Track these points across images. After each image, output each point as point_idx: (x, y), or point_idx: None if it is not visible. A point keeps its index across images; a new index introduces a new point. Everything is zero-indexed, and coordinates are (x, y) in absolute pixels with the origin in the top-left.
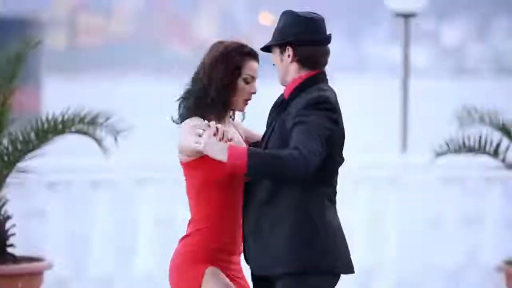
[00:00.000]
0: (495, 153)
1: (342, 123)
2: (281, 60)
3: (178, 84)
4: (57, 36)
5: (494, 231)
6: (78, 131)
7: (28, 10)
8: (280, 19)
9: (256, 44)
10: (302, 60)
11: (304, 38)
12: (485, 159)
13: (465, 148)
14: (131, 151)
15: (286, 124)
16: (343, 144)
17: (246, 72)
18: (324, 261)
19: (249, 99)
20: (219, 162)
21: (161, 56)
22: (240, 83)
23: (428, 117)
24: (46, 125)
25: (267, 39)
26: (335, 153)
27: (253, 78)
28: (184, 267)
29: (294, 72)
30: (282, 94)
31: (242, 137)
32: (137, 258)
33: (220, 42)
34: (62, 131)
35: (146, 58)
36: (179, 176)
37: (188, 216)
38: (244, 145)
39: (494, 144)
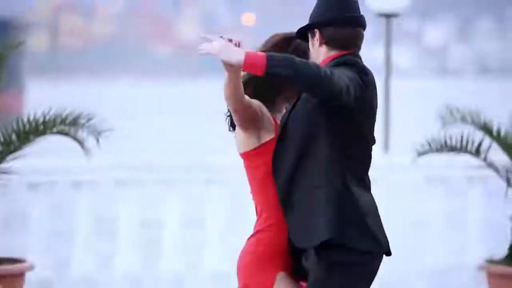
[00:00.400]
0: (477, 152)
1: (371, 101)
2: (312, 45)
3: (161, 85)
4: (39, 38)
5: (476, 230)
6: (60, 132)
7: (10, 12)
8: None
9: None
10: (330, 42)
11: (329, 19)
12: (467, 159)
13: (447, 147)
14: (114, 151)
15: (309, 100)
16: (369, 121)
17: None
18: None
19: None
20: None
21: (144, 57)
22: None
23: (411, 117)
24: (27, 126)
25: (249, 40)
26: (359, 123)
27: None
28: (254, 270)
29: (324, 55)
30: None
31: None
32: (119, 258)
33: (277, 34)
34: (43, 132)
35: (129, 59)
36: (162, 177)
37: (170, 216)
38: None
39: (476, 144)
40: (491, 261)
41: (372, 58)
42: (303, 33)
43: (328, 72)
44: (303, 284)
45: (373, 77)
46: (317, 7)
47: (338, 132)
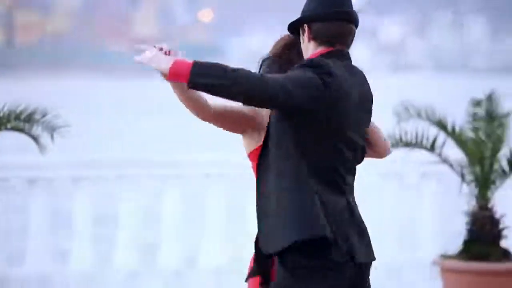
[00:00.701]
0: (432, 148)
1: (338, 101)
2: (302, 41)
3: (116, 82)
4: None
5: (430, 226)
6: (14, 128)
7: None
8: None
9: (196, 41)
10: (317, 38)
11: (318, 14)
12: (421, 154)
13: (402, 143)
14: (69, 148)
15: None
16: (343, 122)
17: None
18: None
19: None
20: None
21: (100, 54)
22: None
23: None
24: None
25: (206, 36)
26: (326, 125)
27: None
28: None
29: (311, 51)
30: None
31: None
32: (74, 256)
33: (286, 34)
34: None
35: (84, 55)
36: (117, 173)
37: (125, 212)
38: None
39: (431, 139)
40: (445, 256)
41: None
42: (295, 28)
43: (261, 78)
44: None
45: (346, 79)
46: (308, 1)
47: (302, 134)
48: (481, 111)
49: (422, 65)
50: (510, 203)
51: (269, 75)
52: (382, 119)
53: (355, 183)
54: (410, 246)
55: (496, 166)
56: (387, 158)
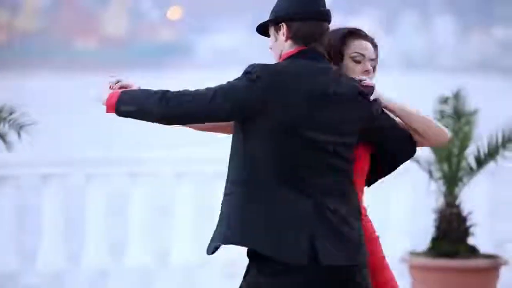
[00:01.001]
0: None
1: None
2: (276, 39)
3: (87, 81)
4: None
5: (399, 223)
6: None
7: None
8: None
9: (165, 39)
10: (295, 37)
11: (298, 13)
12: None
13: None
14: (37, 146)
15: None
16: (296, 130)
17: (352, 51)
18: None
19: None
20: None
21: (70, 52)
22: (349, 64)
23: None
24: None
25: (175, 34)
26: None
27: (363, 55)
28: None
29: (286, 50)
30: None
31: None
32: (42, 254)
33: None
34: None
35: (54, 54)
36: (85, 171)
37: (93, 210)
38: None
39: None
40: (413, 254)
41: None
42: (263, 27)
43: (186, 98)
44: None
45: (283, 71)
46: (281, 1)
47: (251, 139)
48: (448, 109)
49: (390, 64)
50: (478, 200)
51: (195, 92)
52: None
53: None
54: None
55: (463, 164)
56: None
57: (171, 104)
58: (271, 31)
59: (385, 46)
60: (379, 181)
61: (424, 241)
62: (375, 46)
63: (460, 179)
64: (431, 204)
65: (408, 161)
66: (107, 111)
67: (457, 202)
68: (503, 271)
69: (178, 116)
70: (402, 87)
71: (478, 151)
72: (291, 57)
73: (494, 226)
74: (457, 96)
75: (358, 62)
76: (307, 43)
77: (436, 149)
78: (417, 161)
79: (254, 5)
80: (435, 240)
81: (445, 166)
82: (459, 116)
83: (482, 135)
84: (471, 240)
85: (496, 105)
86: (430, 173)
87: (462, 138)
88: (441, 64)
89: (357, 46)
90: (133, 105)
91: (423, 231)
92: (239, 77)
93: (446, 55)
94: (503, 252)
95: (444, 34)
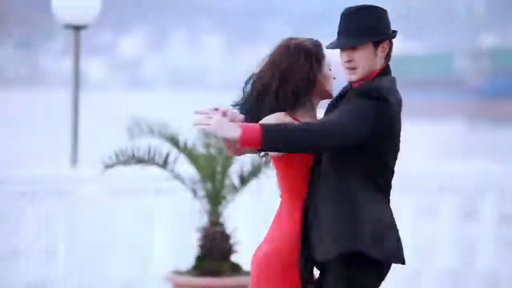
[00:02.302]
0: (164, 164)
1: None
2: (375, 55)
3: None
4: None
5: (163, 242)
6: None
7: None
8: (355, 15)
9: None
10: (390, 54)
11: (394, 32)
12: (155, 171)
13: (134, 159)
14: None
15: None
16: (393, 148)
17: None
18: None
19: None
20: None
21: None
22: (327, 71)
23: (101, 130)
24: None
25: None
26: (382, 152)
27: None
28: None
29: (380, 66)
30: (348, 85)
31: None
32: None
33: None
34: None
35: None
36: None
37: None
38: None
39: (163, 155)
40: (177, 272)
41: (61, 69)
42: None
43: (324, 125)
44: None
45: (391, 91)
46: (381, 18)
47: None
48: None
49: (159, 82)
50: (241, 218)
51: (330, 121)
52: (116, 136)
53: (90, 200)
54: (143, 262)
55: (227, 182)
56: (120, 175)
57: (315, 137)
58: (367, 47)
59: (154, 64)
60: None
61: (188, 260)
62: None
63: (224, 197)
64: (196, 223)
65: (172, 180)
66: (244, 145)
67: (221, 220)
68: None
69: (320, 147)
70: (169, 105)
71: (242, 169)
72: (388, 69)
73: (256, 244)
74: None
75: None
76: (388, 60)
77: (200, 168)
78: (182, 180)
79: (21, 25)
80: (199, 259)
81: (209, 185)
82: None
83: None
84: (234, 258)
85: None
86: (194, 192)
87: (226, 156)
88: (210, 83)
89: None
90: (280, 143)
91: (188, 250)
92: (367, 102)
93: (214, 73)
94: None
95: (213, 52)
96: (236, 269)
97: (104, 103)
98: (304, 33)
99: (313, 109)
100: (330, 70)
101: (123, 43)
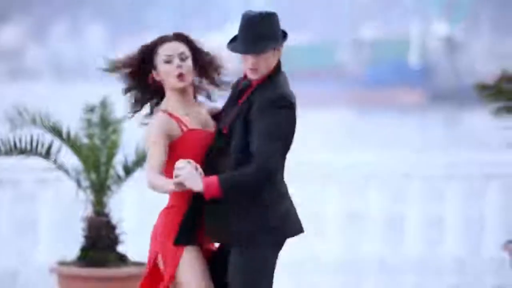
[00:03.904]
0: (47, 155)
1: None
2: (273, 57)
3: None
4: None
5: (48, 232)
6: None
7: None
8: (257, 23)
9: None
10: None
11: (285, 34)
12: (37, 161)
13: (16, 150)
14: None
15: (250, 114)
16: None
17: (163, 54)
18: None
19: (179, 74)
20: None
21: None
22: (162, 66)
23: None
24: None
25: None
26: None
27: (170, 56)
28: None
29: (274, 63)
30: (247, 81)
31: (208, 114)
32: None
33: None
34: None
35: None
36: None
37: None
38: (212, 124)
39: (46, 145)
40: (62, 263)
41: None
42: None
43: (260, 167)
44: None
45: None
46: (277, 24)
47: None
48: (95, 117)
49: (41, 72)
50: (127, 208)
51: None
52: None
53: None
54: (28, 253)
55: (111, 172)
56: (3, 165)
57: (259, 178)
58: (267, 52)
59: (35, 54)
60: None
61: (73, 251)
62: (184, 40)
63: (109, 188)
64: (80, 214)
65: (56, 171)
66: (208, 197)
67: (106, 211)
68: None
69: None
70: (52, 95)
71: (126, 159)
72: (278, 68)
73: (142, 234)
74: (103, 104)
75: (168, 62)
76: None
77: (84, 158)
78: (66, 170)
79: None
80: (84, 249)
81: (93, 175)
82: (106, 124)
83: (129, 143)
84: (120, 248)
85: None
86: (79, 182)
87: (110, 146)
88: (91, 72)
89: (167, 48)
90: (238, 192)
91: (73, 241)
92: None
93: (96, 63)
94: None
95: (94, 42)
96: (122, 259)
97: None
98: (185, 23)
99: (181, 104)
100: (168, 61)
101: (3, 32)
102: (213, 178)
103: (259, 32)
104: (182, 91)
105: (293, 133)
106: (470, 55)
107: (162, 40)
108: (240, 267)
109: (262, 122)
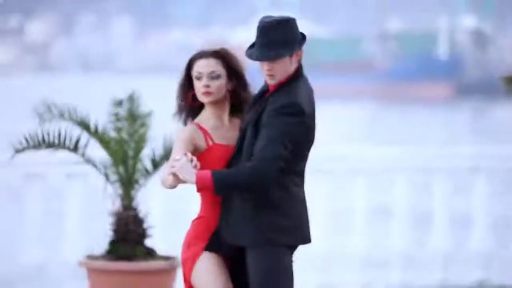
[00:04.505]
0: (75, 149)
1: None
2: (291, 62)
3: None
4: None
5: (76, 226)
6: None
7: None
8: (273, 29)
9: None
10: (301, 55)
11: (303, 37)
12: (65, 155)
13: (45, 144)
14: None
15: (261, 119)
16: (309, 144)
17: (195, 70)
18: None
19: (205, 92)
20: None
21: None
22: (194, 81)
23: (11, 114)
24: None
25: None
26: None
27: (201, 73)
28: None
29: (293, 68)
30: (265, 86)
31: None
32: None
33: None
34: None
35: None
36: None
37: None
38: None
39: (74, 140)
40: (91, 257)
41: None
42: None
43: (256, 168)
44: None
45: (305, 101)
46: (295, 30)
47: None
48: (123, 111)
49: (68, 66)
50: (154, 202)
51: (262, 158)
52: (26, 120)
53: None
54: (56, 247)
55: (139, 166)
56: (30, 160)
57: (255, 177)
58: (284, 58)
59: (62, 47)
60: None
61: (103, 245)
62: (221, 57)
63: (136, 181)
64: (108, 207)
65: (85, 164)
66: (200, 191)
67: (133, 205)
68: (180, 272)
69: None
70: (79, 89)
71: (154, 153)
72: (298, 73)
73: (170, 228)
74: (131, 98)
75: (198, 79)
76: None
77: (112, 152)
78: (93, 164)
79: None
80: (112, 243)
81: (121, 169)
82: (134, 118)
83: (157, 137)
84: (148, 242)
85: (171, 107)
86: (107, 176)
87: (137, 140)
88: (118, 66)
89: (198, 65)
90: (231, 188)
91: (102, 235)
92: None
93: (123, 56)
94: (179, 253)
95: (121, 35)
96: (150, 253)
97: (13, 88)
98: (211, 18)
99: (213, 117)
100: (198, 77)
101: (31, 26)
102: (207, 172)
103: (275, 38)
104: (214, 104)
105: (307, 141)
106: (498, 48)
107: (199, 55)
108: (256, 267)
109: (268, 127)
